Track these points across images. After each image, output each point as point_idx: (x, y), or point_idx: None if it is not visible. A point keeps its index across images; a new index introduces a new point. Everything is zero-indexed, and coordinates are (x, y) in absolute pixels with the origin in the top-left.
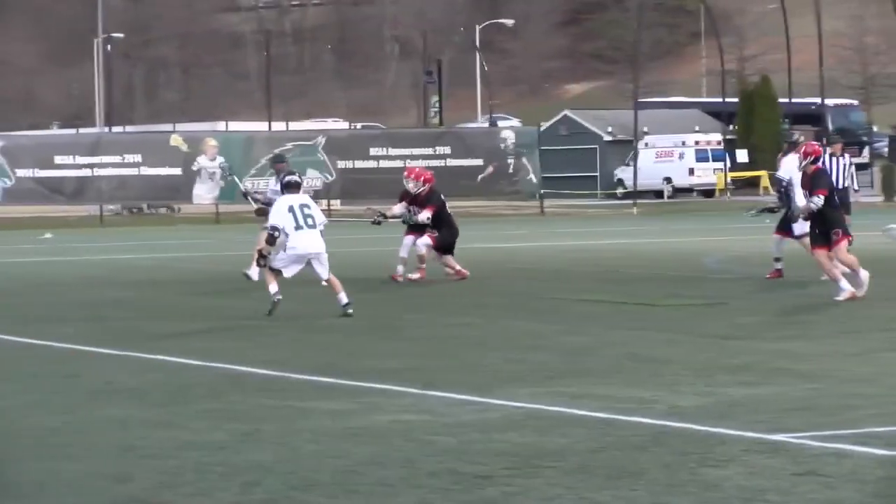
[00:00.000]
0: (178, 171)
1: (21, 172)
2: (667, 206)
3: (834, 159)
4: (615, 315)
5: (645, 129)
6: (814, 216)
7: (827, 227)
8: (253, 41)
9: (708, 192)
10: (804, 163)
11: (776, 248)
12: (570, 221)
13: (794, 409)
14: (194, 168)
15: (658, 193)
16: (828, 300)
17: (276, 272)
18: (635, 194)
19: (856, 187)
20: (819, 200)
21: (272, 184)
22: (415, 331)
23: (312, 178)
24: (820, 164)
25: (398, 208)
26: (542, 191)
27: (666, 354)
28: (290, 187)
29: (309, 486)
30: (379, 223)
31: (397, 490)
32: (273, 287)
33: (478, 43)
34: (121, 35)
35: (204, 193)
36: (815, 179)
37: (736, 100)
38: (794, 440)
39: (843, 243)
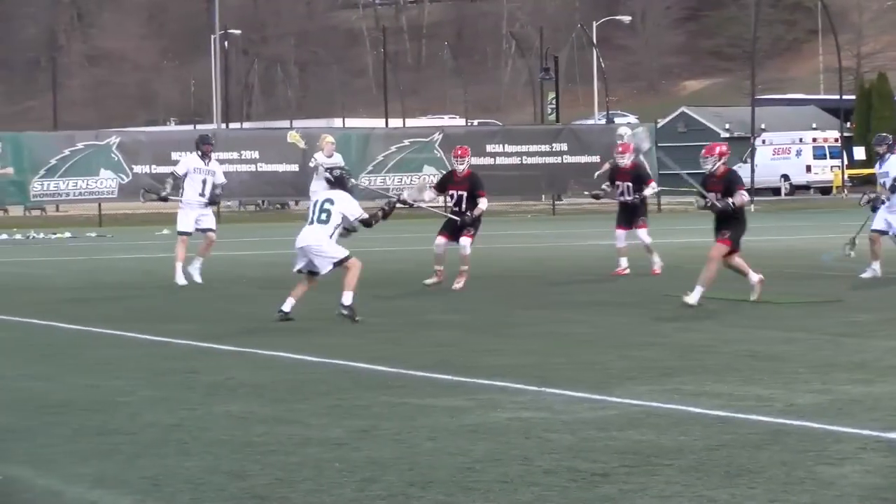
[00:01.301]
0: (295, 167)
1: (137, 169)
2: (784, 203)
3: None
4: (731, 312)
5: (762, 125)
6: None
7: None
8: (370, 38)
9: (825, 190)
10: None
11: None
12: (687, 218)
13: None
14: (311, 165)
15: (775, 191)
16: None
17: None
18: (752, 191)
19: None
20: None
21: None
22: (526, 328)
23: (427, 175)
24: None
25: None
26: (659, 188)
27: (782, 352)
28: (329, 182)
29: (427, 484)
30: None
31: (514, 487)
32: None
33: (595, 39)
34: (238, 32)
35: (320, 190)
36: None
37: (853, 97)
38: None
39: (723, 247)
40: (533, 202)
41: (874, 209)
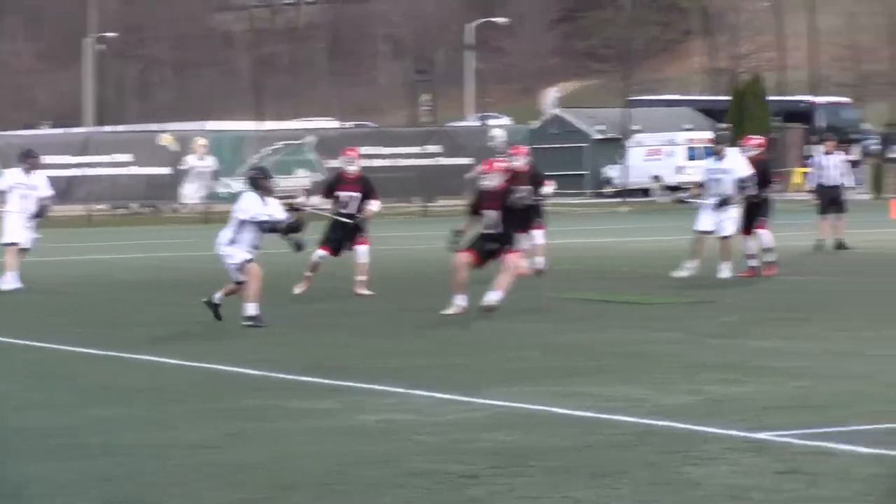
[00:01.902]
0: (168, 170)
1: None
2: (656, 204)
3: (827, 157)
4: (603, 314)
5: (636, 126)
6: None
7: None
8: (245, 40)
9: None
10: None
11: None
12: (559, 220)
13: (779, 408)
14: (183, 168)
15: (645, 191)
16: (817, 296)
17: None
18: (625, 192)
19: (851, 185)
20: None
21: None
22: (406, 331)
23: (301, 178)
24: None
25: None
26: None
27: (653, 353)
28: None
29: (294, 487)
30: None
31: (381, 490)
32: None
33: (470, 41)
34: (114, 34)
35: (192, 193)
36: None
37: (729, 98)
38: (779, 438)
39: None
40: (405, 204)
41: (721, 206)
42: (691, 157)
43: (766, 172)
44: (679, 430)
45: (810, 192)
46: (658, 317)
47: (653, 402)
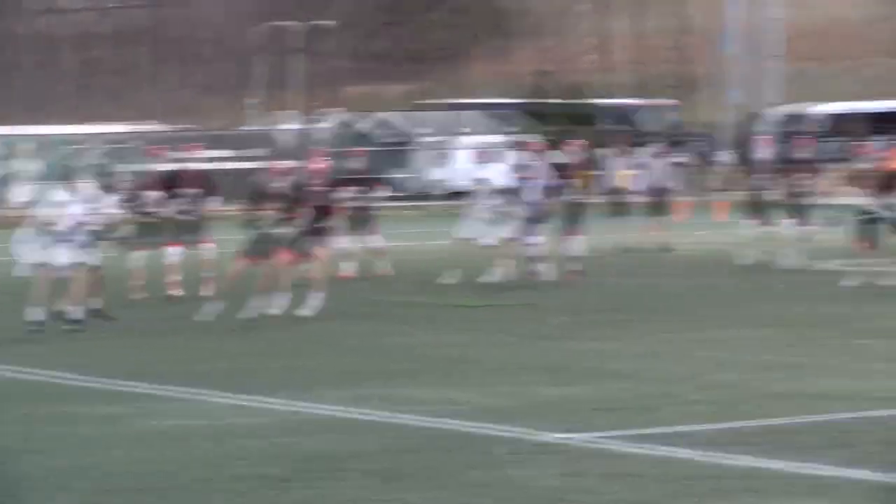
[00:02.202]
0: None
1: None
2: (453, 208)
3: (654, 160)
4: (428, 317)
5: (464, 129)
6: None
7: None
8: (71, 44)
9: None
10: None
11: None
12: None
13: (603, 409)
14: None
15: (468, 194)
16: (640, 298)
17: None
18: (450, 196)
19: (676, 187)
20: None
21: None
22: (230, 334)
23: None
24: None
25: None
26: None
27: (478, 356)
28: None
29: (118, 491)
30: None
31: (204, 494)
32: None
33: (295, 45)
34: None
35: (17, 197)
36: None
37: (531, 101)
38: (600, 439)
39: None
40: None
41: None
42: (484, 162)
43: (571, 175)
44: (504, 432)
45: (637, 194)
46: (482, 319)
47: (475, 404)
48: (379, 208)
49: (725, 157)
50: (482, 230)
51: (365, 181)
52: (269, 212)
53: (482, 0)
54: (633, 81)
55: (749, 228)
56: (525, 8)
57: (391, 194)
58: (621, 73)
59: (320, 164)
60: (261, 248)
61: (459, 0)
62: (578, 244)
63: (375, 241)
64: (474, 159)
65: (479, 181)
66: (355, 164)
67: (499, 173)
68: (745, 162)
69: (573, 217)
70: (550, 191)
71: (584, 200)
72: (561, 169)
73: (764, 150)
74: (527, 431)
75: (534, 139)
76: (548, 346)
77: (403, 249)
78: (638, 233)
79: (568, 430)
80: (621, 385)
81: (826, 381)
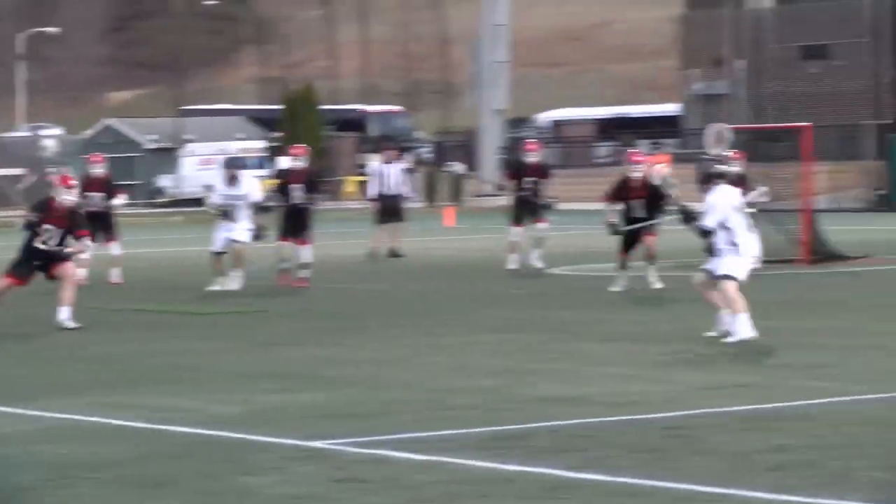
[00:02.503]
0: None
1: None
2: (209, 214)
3: (386, 166)
4: (157, 324)
5: (189, 136)
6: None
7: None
8: None
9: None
10: None
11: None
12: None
13: (333, 416)
14: None
15: (199, 201)
16: (370, 305)
17: None
18: (179, 202)
19: (409, 194)
20: None
21: None
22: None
23: None
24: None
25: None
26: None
27: (208, 363)
28: None
29: None
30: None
31: None
32: None
33: (20, 51)
34: None
35: None
36: None
37: (281, 106)
38: (334, 446)
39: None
40: None
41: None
42: (243, 167)
43: (313, 182)
44: (235, 440)
45: (370, 201)
46: (212, 326)
47: (209, 412)
48: (119, 215)
49: (457, 164)
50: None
51: (107, 188)
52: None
53: (242, 7)
54: (361, 88)
55: (514, 233)
56: (253, 15)
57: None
58: (352, 80)
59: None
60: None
61: (220, 7)
62: (307, 251)
63: (114, 248)
64: (205, 165)
65: (208, 187)
66: (97, 170)
67: (248, 181)
68: (511, 166)
69: (301, 223)
70: (274, 199)
71: (311, 206)
72: (283, 175)
73: (528, 155)
74: (258, 438)
75: (297, 145)
76: (281, 353)
77: (134, 257)
78: (372, 239)
79: (298, 437)
80: (355, 391)
81: (555, 385)
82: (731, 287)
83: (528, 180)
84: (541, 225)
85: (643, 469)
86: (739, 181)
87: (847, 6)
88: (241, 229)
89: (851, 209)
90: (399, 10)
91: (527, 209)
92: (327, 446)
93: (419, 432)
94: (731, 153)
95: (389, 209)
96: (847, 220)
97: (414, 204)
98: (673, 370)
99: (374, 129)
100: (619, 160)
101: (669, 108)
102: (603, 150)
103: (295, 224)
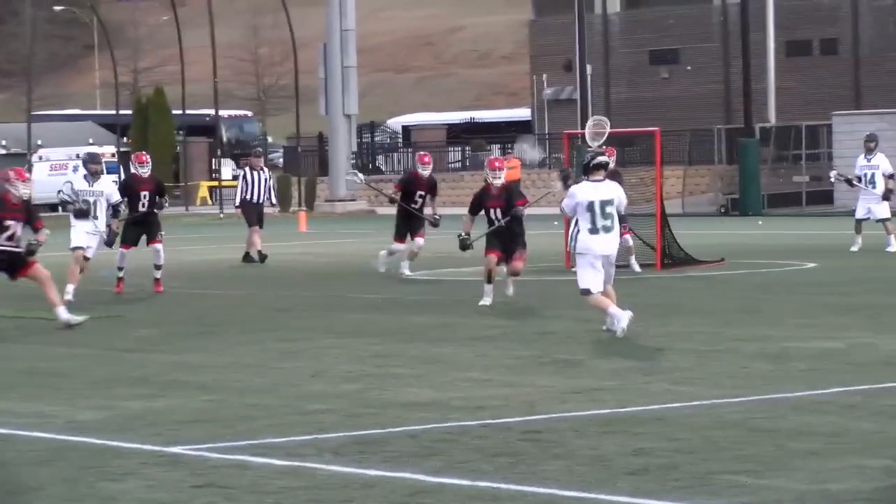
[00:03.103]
0: None
1: None
2: (63, 218)
3: (253, 173)
4: (12, 329)
5: (39, 142)
6: None
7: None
8: None
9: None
10: None
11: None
12: None
13: (193, 421)
14: None
15: (53, 207)
16: (228, 310)
17: None
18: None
19: (273, 201)
20: None
21: None
22: None
23: None
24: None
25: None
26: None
27: (65, 368)
28: None
29: None
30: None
31: None
32: None
33: None
34: None
35: None
36: None
37: (130, 112)
38: (193, 452)
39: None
40: None
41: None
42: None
43: (160, 189)
44: (93, 446)
45: (237, 207)
46: (70, 332)
47: (66, 417)
48: None
49: (308, 169)
50: (84, 240)
51: None
52: None
53: (92, 13)
54: (212, 93)
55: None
56: (102, 20)
57: None
58: (201, 85)
59: None
60: None
61: (70, 13)
62: (157, 254)
63: None
64: (56, 171)
65: (68, 183)
66: None
67: (106, 180)
68: (403, 180)
69: (150, 229)
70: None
71: (157, 213)
72: (130, 183)
73: (422, 168)
74: (118, 444)
75: (140, 152)
76: (140, 359)
77: None
78: (248, 243)
79: (157, 443)
80: (214, 397)
81: (415, 390)
82: (591, 299)
83: (419, 194)
84: (419, 240)
85: (504, 473)
86: (613, 177)
87: (696, 10)
88: (92, 234)
89: (704, 213)
90: (249, 15)
91: (412, 223)
92: (188, 452)
93: (279, 437)
94: (605, 149)
95: (256, 215)
96: (699, 224)
97: (267, 209)
98: (532, 374)
99: (225, 135)
100: (470, 165)
101: (520, 113)
102: (454, 154)
103: (142, 231)
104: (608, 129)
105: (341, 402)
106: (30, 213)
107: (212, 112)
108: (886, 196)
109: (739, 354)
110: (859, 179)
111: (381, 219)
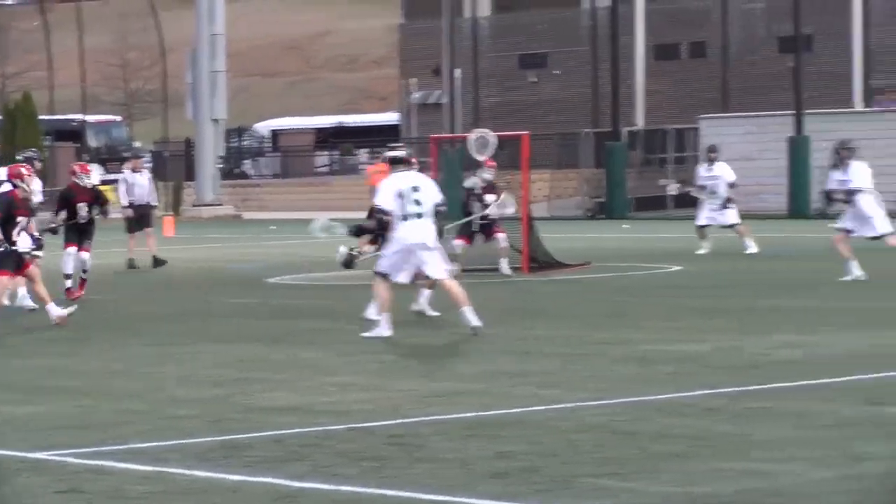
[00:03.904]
0: None
1: None
2: None
3: (134, 175)
4: None
5: None
6: None
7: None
8: None
9: None
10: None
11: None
12: None
13: (58, 427)
14: None
15: None
16: (100, 315)
17: None
18: None
19: (155, 203)
20: None
21: None
22: None
23: None
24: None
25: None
26: None
27: None
28: None
29: None
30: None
31: None
32: None
33: None
34: None
35: None
36: None
37: None
38: (57, 457)
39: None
40: None
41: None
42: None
43: (99, 198)
44: None
45: (123, 209)
46: None
47: None
48: None
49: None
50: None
51: None
52: None
53: None
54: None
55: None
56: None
57: None
58: (70, 90)
59: None
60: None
61: None
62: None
63: None
64: None
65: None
66: None
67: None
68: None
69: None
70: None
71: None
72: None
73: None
74: None
75: (83, 163)
76: (6, 364)
77: None
78: (129, 249)
79: (21, 449)
80: (80, 402)
81: (279, 395)
82: (380, 285)
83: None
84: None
85: (368, 477)
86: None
87: (566, 15)
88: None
89: (571, 217)
90: (117, 20)
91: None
92: (50, 457)
93: (143, 443)
94: (486, 160)
95: (140, 218)
96: (566, 227)
97: (161, 213)
98: (395, 378)
99: (92, 140)
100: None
101: (388, 118)
102: (322, 159)
103: (80, 237)
104: (493, 141)
105: (208, 406)
106: (32, 210)
107: (79, 117)
108: (725, 205)
109: (604, 358)
110: (702, 189)
111: (247, 224)
